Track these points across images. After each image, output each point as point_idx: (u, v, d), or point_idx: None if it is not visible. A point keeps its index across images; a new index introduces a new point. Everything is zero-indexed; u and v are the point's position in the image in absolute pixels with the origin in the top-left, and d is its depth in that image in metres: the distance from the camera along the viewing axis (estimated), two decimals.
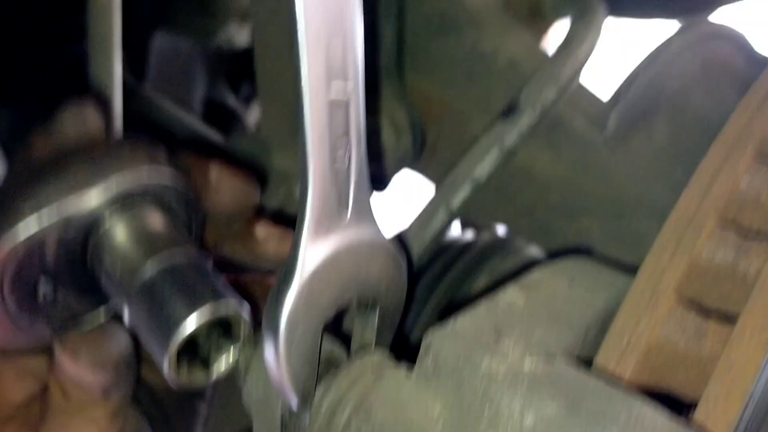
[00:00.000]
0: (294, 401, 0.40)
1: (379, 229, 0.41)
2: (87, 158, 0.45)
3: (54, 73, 1.12)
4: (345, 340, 0.44)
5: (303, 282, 0.38)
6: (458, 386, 0.35)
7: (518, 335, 0.37)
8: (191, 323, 0.41)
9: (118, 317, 0.48)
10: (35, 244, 0.43)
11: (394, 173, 0.73)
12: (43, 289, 0.46)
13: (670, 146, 0.56)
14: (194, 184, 0.49)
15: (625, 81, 0.55)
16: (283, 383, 0.39)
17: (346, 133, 0.36)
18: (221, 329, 0.44)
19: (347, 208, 0.39)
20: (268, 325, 0.38)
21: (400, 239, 0.53)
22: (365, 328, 0.42)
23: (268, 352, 0.38)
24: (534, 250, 0.70)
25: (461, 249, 0.76)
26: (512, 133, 0.54)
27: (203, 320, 0.42)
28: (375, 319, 0.42)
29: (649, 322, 0.39)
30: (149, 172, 0.45)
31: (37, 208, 0.43)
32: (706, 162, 0.43)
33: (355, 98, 0.36)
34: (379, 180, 0.72)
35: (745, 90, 0.53)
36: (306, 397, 0.40)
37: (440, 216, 0.53)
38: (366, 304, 0.42)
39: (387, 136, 0.68)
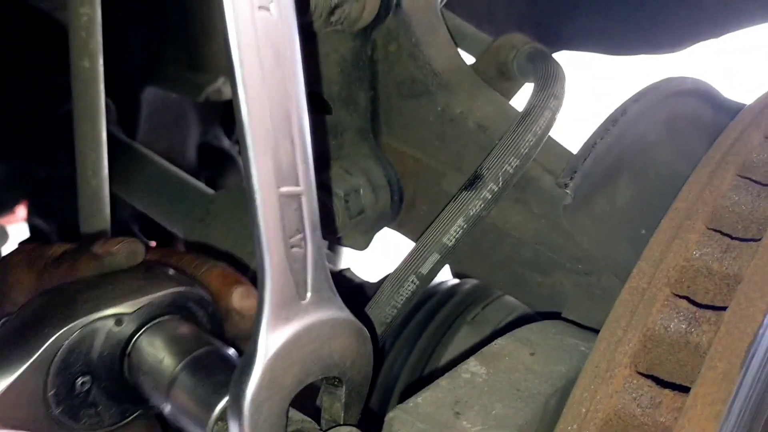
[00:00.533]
0: None
1: (340, 306, 0.42)
2: (128, 280, 0.53)
3: (47, 129, 1.15)
4: (318, 412, 0.45)
5: (264, 367, 0.39)
6: None
7: (477, 411, 0.39)
8: (221, 406, 0.45)
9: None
10: (84, 342, 0.50)
11: (375, 231, 0.74)
12: (82, 385, 0.51)
13: (634, 207, 0.57)
14: (218, 305, 0.53)
15: (586, 145, 0.56)
16: None
17: (300, 222, 0.38)
18: None
19: (306, 292, 0.40)
20: (232, 410, 0.40)
21: (368, 310, 0.55)
22: (333, 403, 0.44)
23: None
24: (512, 300, 0.71)
25: (444, 296, 0.78)
26: (476, 202, 0.56)
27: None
28: (342, 394, 0.43)
29: (605, 393, 0.40)
30: (175, 295, 0.52)
31: (90, 311, 0.50)
32: (659, 234, 0.45)
33: (307, 191, 0.38)
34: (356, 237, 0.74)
35: (713, 140, 0.54)
36: None
37: (409, 282, 0.54)
38: (332, 380, 0.43)
39: (366, 195, 0.70)
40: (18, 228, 1.38)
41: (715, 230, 0.45)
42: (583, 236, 0.55)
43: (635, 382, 0.41)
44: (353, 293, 0.82)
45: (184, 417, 0.48)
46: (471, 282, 0.76)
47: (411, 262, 0.55)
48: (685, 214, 0.46)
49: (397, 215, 0.73)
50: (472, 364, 0.43)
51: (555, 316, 0.59)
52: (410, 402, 0.39)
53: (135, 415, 0.54)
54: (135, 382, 0.52)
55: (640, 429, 0.40)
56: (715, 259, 0.44)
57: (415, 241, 0.59)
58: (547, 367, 0.43)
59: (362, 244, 0.73)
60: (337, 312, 0.42)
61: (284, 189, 0.37)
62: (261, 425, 0.40)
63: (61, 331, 0.49)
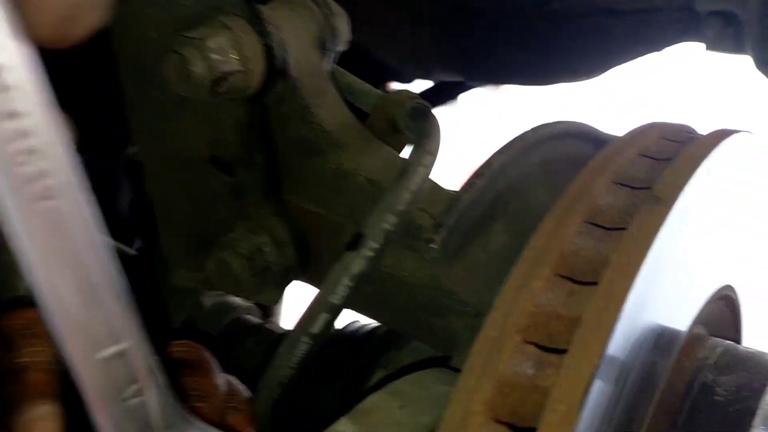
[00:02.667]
0: None
1: (199, 428, 0.45)
2: None
3: None
4: None
5: None
6: None
7: None
8: None
9: None
10: None
11: (285, 284, 0.77)
12: None
13: (510, 250, 0.61)
14: None
15: (451, 199, 0.60)
16: None
17: (133, 374, 0.39)
18: None
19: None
20: None
21: (266, 373, 0.58)
22: None
23: None
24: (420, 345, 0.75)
25: (359, 343, 0.81)
26: (359, 261, 0.59)
27: None
28: None
29: None
30: None
31: None
32: (509, 282, 0.49)
33: (134, 342, 0.39)
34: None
35: None
36: None
37: (303, 343, 0.57)
38: None
39: (270, 252, 0.73)
40: None
41: (562, 276, 0.49)
42: (460, 287, 0.59)
43: (490, 428, 0.44)
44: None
45: None
46: (383, 327, 0.80)
47: (303, 323, 0.58)
48: (533, 262, 0.49)
49: (305, 268, 0.76)
50: (341, 423, 0.46)
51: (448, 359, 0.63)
52: None
53: None
54: None
55: None
56: (560, 304, 0.47)
57: None
58: (414, 418, 0.47)
59: (274, 297, 0.76)
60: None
61: (104, 352, 0.38)
62: None
63: None
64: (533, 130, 0.66)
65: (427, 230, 0.58)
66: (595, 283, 0.47)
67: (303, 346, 0.57)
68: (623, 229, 0.49)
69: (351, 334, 0.81)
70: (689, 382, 0.57)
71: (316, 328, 0.58)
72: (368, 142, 0.71)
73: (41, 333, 0.52)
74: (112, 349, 0.39)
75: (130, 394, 0.40)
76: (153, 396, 0.41)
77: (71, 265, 0.36)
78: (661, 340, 0.50)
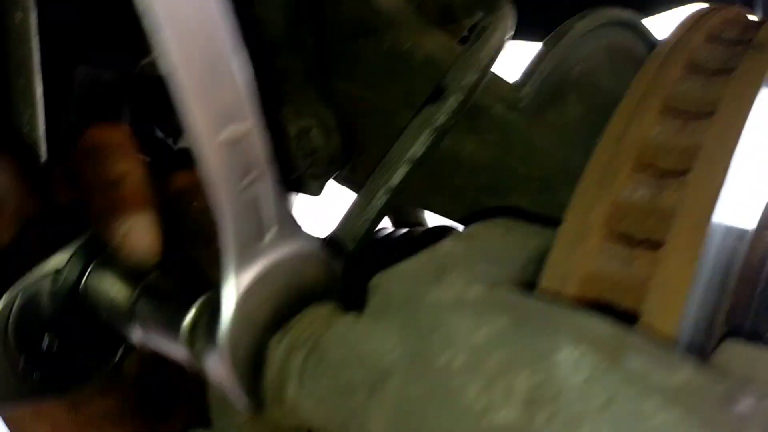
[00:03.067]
0: (249, 409, 0.41)
1: (305, 238, 0.42)
2: (50, 232, 0.51)
3: None
4: None
5: (237, 305, 0.39)
6: (408, 317, 0.37)
7: (460, 271, 0.39)
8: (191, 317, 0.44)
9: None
10: (27, 310, 0.49)
11: (327, 176, 0.74)
12: (50, 345, 0.50)
13: (584, 120, 0.59)
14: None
15: (532, 63, 0.58)
16: (237, 396, 0.40)
17: (250, 161, 0.37)
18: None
19: (268, 229, 0.39)
20: (208, 352, 0.39)
21: (340, 227, 0.55)
22: None
23: (215, 372, 0.40)
24: None
25: (398, 241, 0.79)
26: (441, 114, 0.56)
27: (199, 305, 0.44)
28: None
29: (582, 254, 0.41)
30: None
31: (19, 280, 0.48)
32: (618, 113, 0.47)
33: (253, 127, 0.36)
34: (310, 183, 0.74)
35: None
36: (259, 404, 0.41)
37: (380, 196, 0.54)
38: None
39: (317, 137, 0.70)
40: None
41: (670, 111, 0.47)
42: (541, 142, 0.56)
43: (608, 245, 0.42)
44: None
45: (157, 333, 0.47)
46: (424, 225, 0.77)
47: (380, 175, 0.55)
48: (640, 98, 0.47)
49: (348, 159, 0.73)
50: (447, 241, 0.43)
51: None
52: (392, 269, 0.39)
53: (120, 352, 0.53)
54: (102, 323, 0.50)
55: (618, 286, 0.41)
56: (673, 135, 0.46)
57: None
58: (521, 241, 0.44)
59: (316, 189, 0.73)
60: (303, 244, 0.42)
61: (227, 131, 0.35)
62: (241, 360, 0.40)
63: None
64: (601, 10, 0.65)
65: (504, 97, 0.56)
66: (710, 116, 0.45)
67: (381, 199, 0.54)
68: (732, 70, 0.48)
69: (405, 235, 0.78)
70: (763, 258, 0.56)
71: (395, 180, 0.55)
72: (423, 24, 0.69)
73: (132, 151, 0.50)
74: (235, 128, 0.35)
75: (248, 181, 0.37)
76: (266, 189, 0.38)
77: (200, 34, 0.33)
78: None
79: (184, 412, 0.59)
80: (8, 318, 0.47)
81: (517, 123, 0.63)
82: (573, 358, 0.33)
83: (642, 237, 0.42)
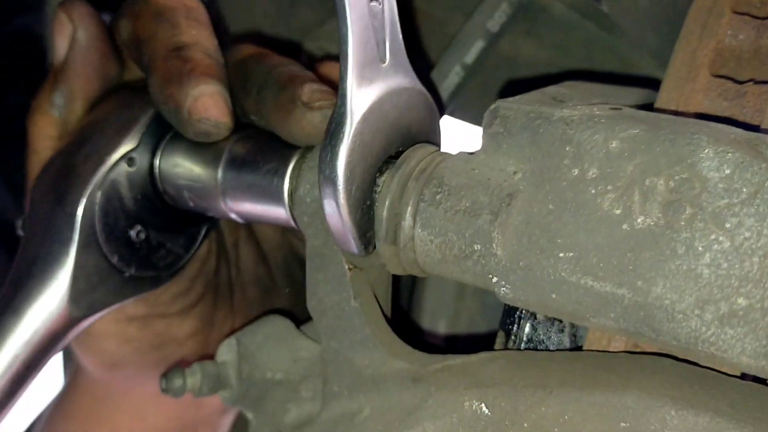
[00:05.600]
0: (357, 249, 0.39)
1: (414, 76, 0.41)
2: (116, 115, 0.49)
3: None
4: None
5: (354, 129, 0.37)
6: (533, 137, 0.36)
7: (578, 101, 0.39)
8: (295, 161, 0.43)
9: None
10: (111, 201, 0.47)
11: None
12: (137, 235, 0.49)
13: (653, 12, 0.59)
14: (281, 98, 0.45)
15: None
16: (347, 233, 0.39)
17: None
18: None
19: (385, 53, 0.39)
20: (326, 176, 0.38)
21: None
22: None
23: (328, 204, 0.38)
24: None
25: None
26: None
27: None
28: None
29: (692, 90, 0.41)
30: None
31: (94, 170, 0.46)
32: None
33: None
34: None
35: None
36: (366, 245, 0.40)
37: (454, 74, 0.53)
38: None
39: None
40: None
41: None
42: (620, 19, 0.56)
43: (717, 81, 0.41)
44: None
45: (253, 199, 0.45)
46: None
47: (454, 52, 0.54)
48: None
49: None
50: (551, 87, 0.42)
51: None
52: (509, 99, 0.38)
53: (204, 231, 0.52)
54: (184, 205, 0.49)
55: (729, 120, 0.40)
56: None
57: None
58: (622, 90, 0.44)
59: None
60: (413, 81, 0.41)
61: None
62: (354, 192, 0.38)
63: (81, 207, 0.46)
64: None
65: None
66: None
67: (455, 78, 0.53)
68: None
69: None
70: None
71: (470, 57, 0.54)
72: None
73: (205, 21, 0.48)
74: None
75: None
76: (387, 10, 0.38)
77: None
78: None
79: (251, 300, 0.58)
80: (94, 217, 0.46)
81: (578, 23, 0.62)
82: (716, 155, 0.32)
83: (748, 76, 0.42)
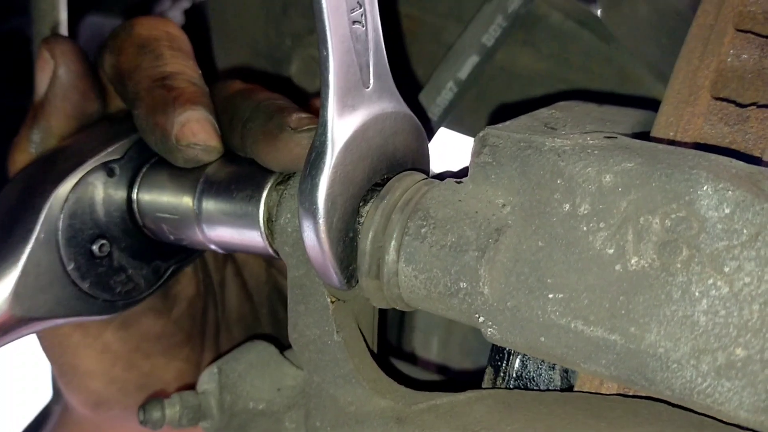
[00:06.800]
0: (339, 283, 0.38)
1: (400, 99, 0.39)
2: (108, 127, 0.48)
3: None
4: None
5: (336, 159, 0.36)
6: (523, 168, 0.34)
7: (572, 126, 0.37)
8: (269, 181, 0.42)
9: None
10: (82, 202, 0.45)
11: None
12: (100, 249, 0.47)
13: (653, 20, 0.57)
14: (269, 126, 0.45)
15: None
16: (329, 267, 0.37)
17: None
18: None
19: (369, 78, 0.37)
20: (305, 208, 0.36)
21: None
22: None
23: (308, 237, 0.36)
24: None
25: None
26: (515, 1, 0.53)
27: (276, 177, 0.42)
28: None
29: (692, 114, 0.39)
30: None
31: (73, 168, 0.45)
32: None
33: None
34: None
35: None
36: (349, 279, 0.38)
37: (447, 90, 0.52)
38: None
39: None
40: None
41: None
42: (619, 28, 0.54)
43: (719, 104, 0.39)
44: None
45: (229, 225, 0.43)
46: None
47: (447, 67, 0.52)
48: None
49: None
50: (543, 110, 0.40)
51: None
52: (498, 126, 0.37)
53: (170, 270, 0.49)
54: (155, 231, 0.47)
55: (731, 146, 0.38)
56: None
57: None
58: (620, 111, 0.42)
59: None
60: (398, 104, 0.39)
61: None
62: (335, 224, 0.36)
63: (50, 200, 0.44)
64: None
65: None
66: None
67: (447, 94, 0.52)
68: None
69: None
70: None
71: (464, 72, 0.52)
72: None
73: (188, 50, 0.46)
74: None
75: (356, 16, 0.35)
76: (371, 31, 0.36)
77: None
78: None
79: (235, 339, 0.57)
80: (59, 215, 0.44)
81: (577, 35, 0.60)
82: (715, 193, 0.31)
83: (750, 99, 0.40)
